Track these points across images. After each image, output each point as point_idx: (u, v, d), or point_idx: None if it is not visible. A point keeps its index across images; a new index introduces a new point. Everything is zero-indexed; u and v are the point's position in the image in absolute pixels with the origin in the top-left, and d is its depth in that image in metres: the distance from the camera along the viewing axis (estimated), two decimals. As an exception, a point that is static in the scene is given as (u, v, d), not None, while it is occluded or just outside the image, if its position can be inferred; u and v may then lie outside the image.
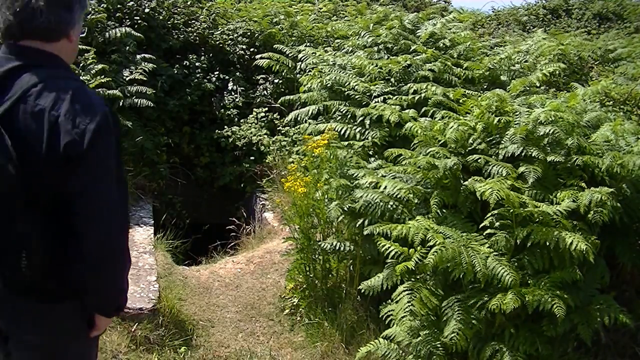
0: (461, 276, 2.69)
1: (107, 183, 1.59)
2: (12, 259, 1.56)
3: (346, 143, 3.98)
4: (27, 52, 1.62)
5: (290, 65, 5.80)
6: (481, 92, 4.30)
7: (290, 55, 5.83)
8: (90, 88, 1.69)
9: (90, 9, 5.44)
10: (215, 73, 6.09)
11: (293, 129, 5.12)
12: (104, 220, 1.58)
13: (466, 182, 3.00)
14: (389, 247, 2.90)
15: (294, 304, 3.69)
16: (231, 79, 6.12)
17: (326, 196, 3.46)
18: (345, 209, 3.29)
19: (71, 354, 1.81)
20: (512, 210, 2.74)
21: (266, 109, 5.79)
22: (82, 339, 1.81)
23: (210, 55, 6.22)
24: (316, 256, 3.59)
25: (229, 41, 6.33)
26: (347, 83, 4.52)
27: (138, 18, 5.85)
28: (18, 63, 1.59)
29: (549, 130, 3.06)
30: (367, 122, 4.15)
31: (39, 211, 1.56)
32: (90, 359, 1.90)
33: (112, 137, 1.61)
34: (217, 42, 6.25)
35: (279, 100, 5.44)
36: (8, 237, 1.54)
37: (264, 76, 6.14)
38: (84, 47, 5.15)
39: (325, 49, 5.68)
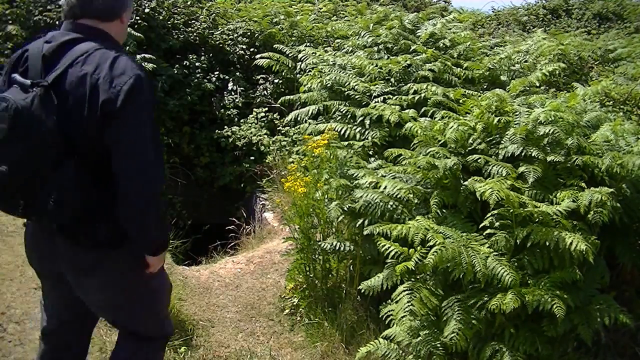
0: (461, 276, 2.69)
1: (140, 133, 1.82)
2: (43, 201, 1.80)
3: (346, 143, 3.98)
4: (82, 28, 1.91)
5: (290, 65, 5.81)
6: (481, 92, 4.31)
7: (290, 55, 5.83)
8: (131, 56, 1.97)
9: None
10: (215, 73, 6.10)
11: (293, 129, 5.12)
12: (138, 165, 1.82)
13: (466, 182, 3.00)
14: (389, 247, 2.90)
15: (294, 304, 3.70)
16: (231, 79, 6.13)
17: (326, 196, 3.46)
18: (345, 209, 3.29)
19: (131, 289, 2.07)
20: (511, 211, 2.74)
21: (266, 109, 5.79)
22: (139, 276, 2.04)
23: (210, 55, 6.23)
24: (316, 256, 3.59)
25: (229, 41, 6.33)
26: (347, 83, 4.53)
27: (138, 18, 5.85)
28: (73, 36, 1.89)
29: (549, 130, 3.06)
30: (367, 122, 4.15)
31: (78, 160, 1.82)
32: (158, 288, 2.18)
33: (144, 97, 1.83)
34: (217, 42, 6.26)
35: (279, 100, 5.45)
36: (42, 182, 1.80)
37: (264, 76, 6.14)
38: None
39: (325, 49, 5.68)
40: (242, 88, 6.04)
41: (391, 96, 4.35)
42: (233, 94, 6.01)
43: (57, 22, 5.36)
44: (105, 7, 1.94)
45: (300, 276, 3.68)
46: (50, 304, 2.22)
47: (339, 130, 4.18)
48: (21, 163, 1.78)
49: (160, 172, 1.89)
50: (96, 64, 1.82)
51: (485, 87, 4.71)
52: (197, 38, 6.19)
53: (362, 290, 3.10)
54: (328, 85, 4.69)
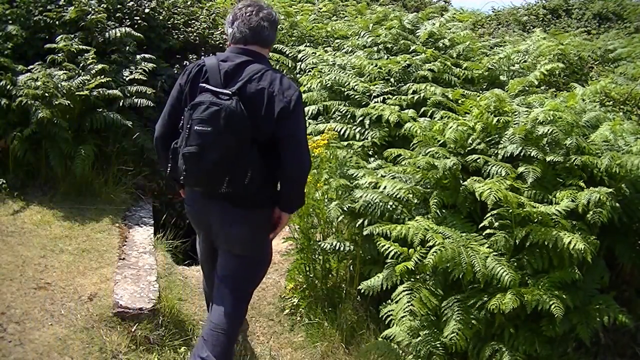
0: (461, 276, 2.70)
1: (303, 131, 2.63)
2: (242, 177, 2.55)
3: (346, 143, 3.98)
4: (251, 53, 2.65)
5: (290, 65, 5.80)
6: (480, 92, 4.31)
7: (290, 55, 5.83)
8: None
9: (90, 9, 5.45)
10: (216, 73, 6.09)
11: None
12: (301, 152, 2.59)
13: (465, 182, 3.00)
14: (389, 247, 2.91)
15: (294, 304, 3.70)
16: (231, 79, 6.13)
17: (326, 196, 3.46)
18: (345, 209, 3.30)
19: (259, 241, 2.82)
20: (510, 211, 2.75)
21: (266, 109, 5.79)
22: (267, 233, 2.82)
23: (211, 55, 6.23)
24: (316, 256, 3.59)
25: (229, 41, 6.33)
26: (347, 83, 4.53)
27: (138, 18, 5.85)
28: (246, 58, 2.61)
29: (548, 130, 3.07)
30: (367, 122, 4.15)
31: (258, 148, 2.55)
32: (270, 245, 2.94)
33: (303, 105, 2.74)
34: (217, 42, 6.25)
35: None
36: (242, 163, 2.53)
37: (264, 76, 6.14)
38: (83, 47, 5.16)
39: (325, 49, 5.68)
40: (242, 88, 6.04)
41: (391, 96, 4.36)
42: (233, 94, 6.02)
43: (57, 23, 5.36)
44: (268, 38, 2.70)
45: (300, 276, 3.69)
46: (206, 253, 3.06)
47: (338, 130, 4.18)
48: (231, 148, 2.49)
49: (310, 155, 2.68)
50: (270, 81, 2.55)
51: (484, 87, 4.71)
52: (197, 38, 6.18)
53: (362, 290, 3.10)
54: (328, 85, 4.69)
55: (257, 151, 2.55)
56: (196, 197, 2.79)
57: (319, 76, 4.78)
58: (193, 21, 6.34)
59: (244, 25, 2.63)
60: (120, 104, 4.96)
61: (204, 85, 2.58)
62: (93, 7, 5.50)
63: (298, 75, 5.44)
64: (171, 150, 2.69)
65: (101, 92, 4.81)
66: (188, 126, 2.54)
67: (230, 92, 2.50)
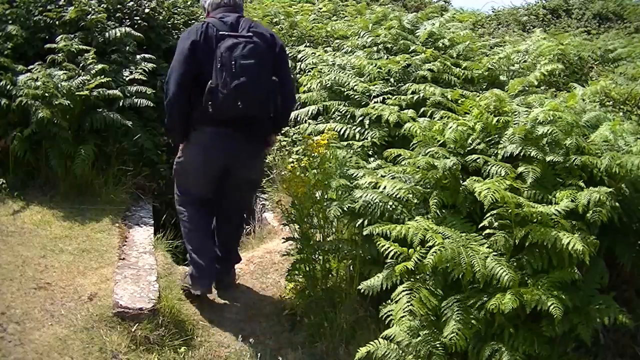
0: (460, 276, 2.70)
1: (289, 70, 3.66)
2: (274, 103, 3.35)
3: (345, 143, 3.98)
4: (239, 9, 3.57)
5: (289, 65, 5.80)
6: (480, 92, 4.31)
7: (290, 55, 5.83)
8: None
9: (90, 9, 5.45)
10: (216, 73, 6.09)
11: (293, 129, 5.12)
12: (293, 86, 3.73)
13: (465, 182, 3.00)
14: (389, 247, 2.91)
15: (294, 304, 3.70)
16: (231, 79, 6.12)
17: (326, 196, 3.47)
18: (345, 209, 3.30)
19: (261, 168, 3.94)
20: (510, 210, 2.75)
21: (266, 109, 5.78)
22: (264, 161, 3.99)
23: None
24: (316, 256, 3.59)
25: (229, 41, 6.32)
26: (347, 83, 4.53)
27: (138, 18, 5.85)
28: (238, 14, 3.50)
29: (548, 130, 3.06)
30: (367, 122, 4.15)
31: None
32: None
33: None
34: (217, 42, 6.25)
35: (279, 101, 5.45)
36: (274, 91, 3.34)
37: (264, 76, 6.14)
38: (83, 47, 5.16)
39: (325, 49, 5.68)
40: (242, 88, 6.04)
41: (390, 96, 4.36)
42: (233, 94, 6.01)
43: (57, 22, 5.36)
44: (242, 3, 3.60)
45: (300, 276, 3.69)
46: (206, 190, 3.62)
47: (338, 130, 4.19)
48: (269, 78, 3.28)
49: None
50: (263, 28, 3.46)
51: (484, 87, 4.71)
52: (197, 38, 6.19)
53: (362, 290, 3.10)
54: (327, 85, 4.69)
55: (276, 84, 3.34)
56: (222, 135, 3.38)
57: (318, 76, 4.78)
58: (193, 21, 6.34)
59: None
60: (120, 104, 4.96)
61: (223, 33, 3.24)
62: (93, 7, 5.50)
63: (298, 76, 5.44)
64: (207, 90, 3.20)
65: (101, 92, 4.82)
66: (232, 63, 3.15)
67: (250, 34, 3.27)
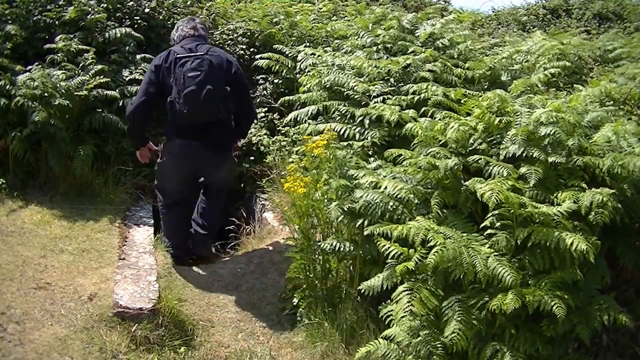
0: (462, 276, 2.69)
1: (248, 88, 4.35)
2: (224, 108, 3.94)
3: (346, 143, 3.98)
4: (202, 38, 4.22)
5: (290, 66, 5.79)
6: (481, 92, 4.30)
7: (290, 55, 5.82)
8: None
9: (90, 9, 5.44)
10: (215, 73, 6.08)
11: (293, 129, 5.12)
12: (251, 99, 4.59)
13: (467, 183, 3.00)
14: (389, 248, 2.90)
15: (294, 304, 3.69)
16: (231, 79, 6.11)
17: (326, 196, 3.46)
18: (345, 209, 3.29)
19: (230, 169, 4.42)
20: (512, 211, 2.74)
21: (266, 109, 5.78)
22: (233, 160, 4.45)
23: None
24: (316, 256, 3.59)
25: (229, 41, 6.32)
26: (346, 83, 4.52)
27: (138, 18, 5.85)
28: (200, 41, 4.14)
29: (550, 131, 3.06)
30: (367, 122, 4.15)
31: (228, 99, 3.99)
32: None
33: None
34: (217, 42, 6.25)
35: (279, 101, 5.44)
36: (222, 97, 3.91)
37: (263, 76, 6.13)
38: (83, 47, 5.15)
39: (325, 49, 5.67)
40: (242, 88, 6.03)
41: (390, 96, 4.35)
42: (233, 94, 6.00)
43: (56, 22, 5.35)
44: (205, 32, 4.27)
45: (300, 276, 3.68)
46: (178, 189, 4.21)
47: (338, 130, 4.18)
48: (216, 85, 3.85)
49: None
50: (221, 52, 4.18)
51: (485, 87, 4.71)
52: (197, 38, 6.18)
53: (362, 291, 3.10)
54: (327, 85, 4.69)
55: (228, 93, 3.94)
56: (187, 146, 4.00)
57: (318, 76, 4.78)
58: (193, 21, 6.33)
59: (189, 26, 4.16)
60: (120, 104, 4.96)
61: (181, 55, 3.89)
62: (93, 7, 5.49)
63: (298, 76, 5.43)
64: (168, 103, 3.85)
65: (100, 92, 4.81)
66: (182, 76, 3.79)
67: (202, 53, 3.90)
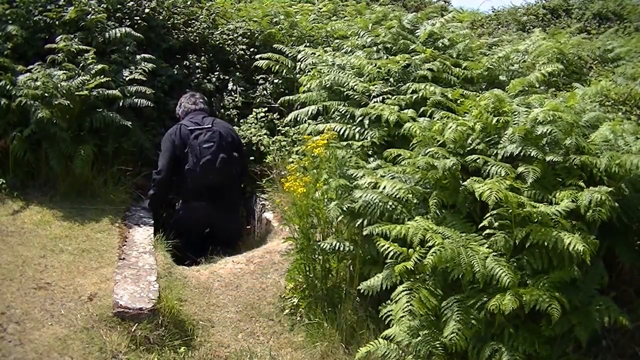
0: (460, 276, 2.70)
1: (244, 152, 5.11)
2: (236, 171, 4.80)
3: (345, 143, 3.98)
4: (205, 110, 5.12)
5: (290, 66, 5.79)
6: (480, 91, 4.31)
7: (290, 55, 5.83)
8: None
9: (90, 9, 5.45)
10: (215, 73, 6.09)
11: (293, 129, 5.12)
12: (246, 162, 5.11)
13: (465, 183, 3.01)
14: (388, 247, 2.91)
15: (294, 304, 3.70)
16: (231, 79, 6.11)
17: (326, 196, 3.46)
18: (345, 208, 3.30)
19: (238, 223, 5.18)
20: (510, 211, 2.75)
21: (266, 109, 5.78)
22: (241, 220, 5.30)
23: (210, 55, 6.22)
24: (316, 256, 3.59)
25: (229, 41, 6.32)
26: (346, 83, 4.53)
27: (138, 18, 5.85)
28: (205, 114, 5.00)
29: (548, 130, 3.07)
30: (366, 122, 4.15)
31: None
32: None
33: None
34: (217, 42, 6.25)
35: (279, 101, 5.44)
36: (234, 165, 4.73)
37: (263, 76, 6.13)
38: (83, 47, 5.16)
39: (325, 49, 5.67)
40: (242, 88, 6.02)
41: (390, 96, 4.35)
42: (233, 94, 6.00)
43: (56, 22, 5.36)
44: (206, 105, 5.13)
45: (300, 276, 3.69)
46: (192, 239, 4.79)
47: (338, 130, 4.18)
48: (228, 154, 4.63)
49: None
50: (225, 123, 4.99)
51: (484, 86, 4.71)
52: (197, 38, 6.18)
53: (362, 290, 3.11)
54: (327, 85, 4.69)
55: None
56: (200, 208, 4.75)
57: (318, 76, 4.78)
58: (193, 21, 6.34)
59: (191, 102, 5.01)
60: (120, 104, 4.96)
61: (192, 128, 4.67)
62: (93, 7, 5.50)
63: (298, 76, 5.44)
64: (186, 171, 4.59)
65: (101, 92, 4.82)
66: (198, 147, 4.55)
67: (210, 125, 4.70)
